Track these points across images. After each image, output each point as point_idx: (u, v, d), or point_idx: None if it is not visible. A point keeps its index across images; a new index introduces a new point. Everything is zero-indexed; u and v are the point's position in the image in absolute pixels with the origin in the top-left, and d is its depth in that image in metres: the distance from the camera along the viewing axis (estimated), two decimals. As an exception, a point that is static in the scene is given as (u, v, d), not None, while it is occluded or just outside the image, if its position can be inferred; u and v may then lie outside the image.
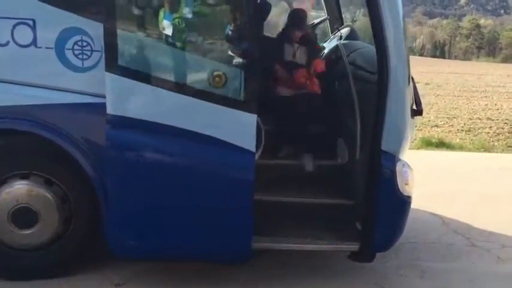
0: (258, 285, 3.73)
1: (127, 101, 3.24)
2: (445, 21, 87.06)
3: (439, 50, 76.18)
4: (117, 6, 3.17)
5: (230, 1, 3.42)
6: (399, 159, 3.56)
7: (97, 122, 3.35)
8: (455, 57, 66.98)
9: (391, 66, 3.30)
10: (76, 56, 3.31)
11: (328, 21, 5.63)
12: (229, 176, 3.34)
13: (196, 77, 3.34)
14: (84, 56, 3.31)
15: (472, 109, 14.92)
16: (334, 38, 5.32)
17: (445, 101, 16.30)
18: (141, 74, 3.21)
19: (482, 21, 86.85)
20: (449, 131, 11.15)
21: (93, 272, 3.73)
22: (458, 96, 18.20)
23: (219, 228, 3.39)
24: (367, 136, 3.64)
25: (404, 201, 3.57)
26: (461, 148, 9.06)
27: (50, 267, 3.61)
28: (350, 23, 5.46)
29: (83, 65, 3.32)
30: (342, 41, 4.86)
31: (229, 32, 3.30)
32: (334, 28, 5.49)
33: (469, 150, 8.96)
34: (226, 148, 3.26)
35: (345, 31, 5.14)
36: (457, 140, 10.08)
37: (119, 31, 3.16)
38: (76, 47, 3.30)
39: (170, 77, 3.29)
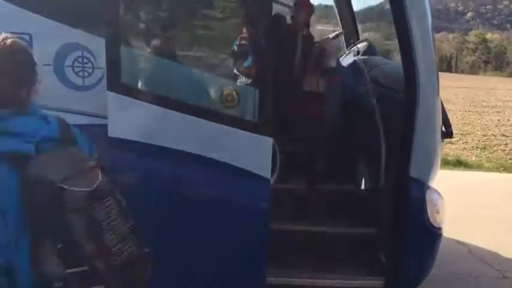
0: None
1: (130, 122, 2.94)
2: (451, 36, 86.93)
3: (446, 64, 75.95)
4: (120, 19, 2.89)
5: (242, 14, 3.14)
6: (429, 187, 3.24)
7: (99, 145, 3.06)
8: (462, 71, 66.67)
9: (420, 83, 3.00)
10: (76, 73, 3.03)
11: (343, 35, 5.34)
12: (242, 205, 3.02)
13: (206, 97, 3.04)
14: (85, 74, 3.03)
15: (485, 125, 14.58)
16: (350, 53, 5.03)
17: (456, 117, 15.94)
18: (146, 94, 2.92)
19: (488, 36, 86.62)
20: (464, 148, 10.80)
21: None
22: (469, 111, 17.85)
23: (230, 260, 3.06)
24: (392, 160, 3.33)
25: (435, 233, 3.25)
26: (478, 167, 8.70)
27: None
28: (367, 37, 5.16)
29: (83, 83, 3.04)
30: (360, 57, 4.56)
31: (236, 48, 3.02)
32: (350, 43, 5.20)
33: (488, 169, 8.60)
34: (238, 175, 2.95)
35: (362, 46, 4.85)
36: (473, 157, 9.73)
37: (122, 47, 2.88)
38: (76, 63, 3.02)
39: (178, 97, 2.99)
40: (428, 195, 3.18)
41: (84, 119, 3.05)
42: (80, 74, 3.02)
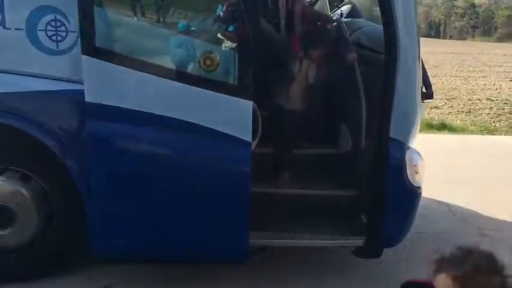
0: (256, 285, 3.45)
1: (107, 87, 2.90)
2: (440, 1, 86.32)
3: (434, 30, 75.56)
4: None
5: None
6: (409, 147, 3.26)
7: (76, 111, 3.03)
8: (451, 37, 66.59)
9: (400, 44, 2.98)
10: (49, 37, 2.96)
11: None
12: (223, 168, 3.03)
13: (185, 60, 3.00)
14: (59, 38, 2.96)
15: (471, 89, 14.61)
16: (333, 16, 4.96)
17: (442, 82, 15.96)
18: (123, 57, 2.87)
19: (477, 0, 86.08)
20: (449, 112, 10.86)
21: (79, 273, 3.45)
22: (455, 76, 17.86)
23: (212, 224, 3.09)
24: (373, 122, 3.33)
25: (414, 193, 3.28)
26: (463, 130, 8.78)
27: (30, 271, 3.32)
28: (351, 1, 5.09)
29: (57, 47, 2.97)
30: (343, 19, 4.51)
31: (221, 12, 2.96)
32: (334, 6, 5.13)
33: (472, 132, 8.68)
34: (220, 139, 2.94)
35: (345, 8, 4.79)
36: (458, 121, 9.80)
37: (96, 8, 2.81)
38: (49, 27, 2.94)
39: (156, 60, 2.95)
40: (408, 155, 3.20)
41: (59, 84, 3.03)
42: (54, 38, 2.96)
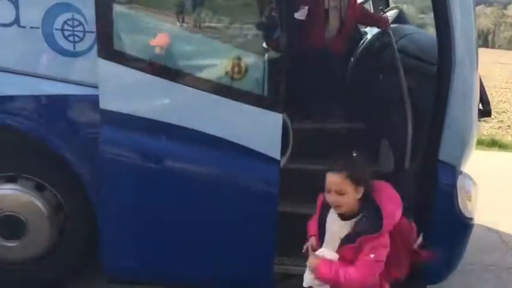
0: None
1: (124, 94, 2.64)
2: (489, 9, 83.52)
3: (482, 39, 73.09)
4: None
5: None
6: (461, 172, 2.86)
7: (92, 117, 2.78)
8: (499, 47, 64.15)
9: (457, 55, 2.59)
10: (66, 37, 2.72)
11: (371, 1, 4.89)
12: (248, 188, 2.71)
13: (210, 67, 2.71)
14: (76, 38, 2.72)
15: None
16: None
17: (491, 94, 15.09)
18: (142, 61, 2.60)
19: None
20: (499, 127, 10.19)
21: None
22: (505, 88, 16.97)
23: (233, 249, 2.77)
24: (420, 141, 2.95)
25: (466, 224, 2.88)
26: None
27: (38, 286, 3.10)
28: (398, 5, 4.70)
29: (74, 48, 2.74)
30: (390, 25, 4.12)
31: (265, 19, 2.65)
32: (379, 10, 4.74)
33: (526, 150, 8.05)
34: (245, 155, 2.63)
35: (392, 13, 4.39)
36: (509, 137, 9.16)
37: (115, 7, 2.56)
38: (66, 27, 2.71)
39: (178, 66, 2.67)
40: (460, 181, 2.80)
41: (75, 88, 2.80)
42: (71, 38, 2.72)
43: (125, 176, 2.71)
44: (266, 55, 2.59)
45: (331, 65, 3.79)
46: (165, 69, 2.62)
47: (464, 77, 2.65)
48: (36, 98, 2.83)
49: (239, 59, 2.62)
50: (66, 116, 2.84)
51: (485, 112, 3.01)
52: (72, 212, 3.02)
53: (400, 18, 4.30)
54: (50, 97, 2.83)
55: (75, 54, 2.73)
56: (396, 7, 4.55)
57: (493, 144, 8.11)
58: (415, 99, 3.09)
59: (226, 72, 2.61)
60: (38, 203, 2.97)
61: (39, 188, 3.00)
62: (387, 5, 4.83)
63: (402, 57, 3.36)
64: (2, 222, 2.98)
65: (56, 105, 2.84)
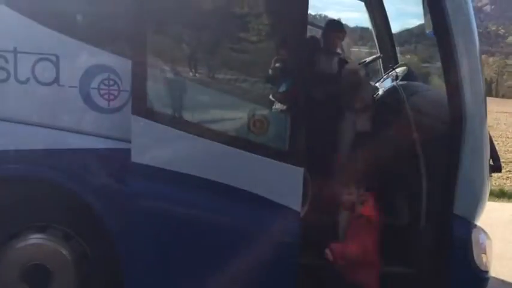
0: None
1: (154, 148, 2.80)
2: (491, 59, 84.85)
3: (486, 88, 73.72)
4: (148, 41, 2.77)
5: (274, 36, 2.98)
6: (475, 226, 2.96)
7: (121, 170, 2.94)
8: (503, 96, 64.78)
9: (467, 112, 2.76)
10: (102, 96, 2.93)
11: (381, 59, 5.12)
12: (269, 239, 2.82)
13: (234, 123, 2.88)
14: (111, 96, 2.92)
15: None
16: (388, 77, 4.78)
17: (498, 143, 15.17)
18: (172, 118, 2.79)
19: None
20: (508, 177, 10.23)
21: None
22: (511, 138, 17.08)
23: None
24: (434, 195, 3.07)
25: (481, 278, 2.95)
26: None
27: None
28: (406, 62, 4.92)
29: (108, 105, 2.93)
30: (399, 82, 4.31)
31: (272, 71, 2.86)
32: (388, 67, 4.95)
33: (535, 201, 8.08)
34: (266, 206, 2.76)
35: (400, 70, 4.59)
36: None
37: (149, 69, 2.76)
38: (102, 86, 2.92)
39: (204, 123, 2.85)
40: (474, 235, 2.90)
41: (107, 142, 2.96)
42: (106, 96, 2.92)
43: (151, 226, 2.83)
44: (287, 110, 2.75)
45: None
46: (194, 126, 2.79)
47: (474, 134, 2.80)
48: (71, 152, 2.99)
49: (261, 114, 2.79)
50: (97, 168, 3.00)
51: (495, 168, 3.14)
52: (97, 261, 3.11)
53: (409, 76, 4.49)
54: (83, 150, 2.99)
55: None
56: (405, 64, 4.76)
57: (502, 195, 8.17)
58: (427, 155, 3.23)
59: (250, 129, 2.77)
60: (65, 253, 3.07)
61: (66, 238, 3.11)
62: (396, 61, 5.05)
63: (414, 114, 3.53)
64: (31, 272, 3.06)
65: (88, 158, 3.00)
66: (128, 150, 2.81)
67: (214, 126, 2.84)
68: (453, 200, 2.86)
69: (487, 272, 2.95)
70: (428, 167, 3.19)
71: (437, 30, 2.85)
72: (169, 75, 2.91)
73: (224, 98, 2.92)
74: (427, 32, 4.15)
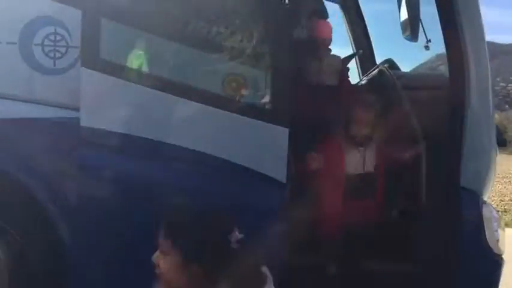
0: None
1: (109, 107, 2.32)
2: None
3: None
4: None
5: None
6: (485, 202, 2.56)
7: (70, 144, 2.43)
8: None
9: (470, 68, 2.43)
10: (46, 54, 2.46)
11: (356, 58, 4.83)
12: (249, 221, 2.31)
13: (206, 80, 2.45)
14: (57, 54, 2.46)
15: (500, 192, 13.98)
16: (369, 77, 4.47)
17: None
18: (129, 71, 2.33)
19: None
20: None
21: None
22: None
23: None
24: (436, 171, 2.66)
25: (496, 263, 2.51)
26: (507, 225, 7.96)
27: None
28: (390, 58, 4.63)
29: (54, 65, 2.46)
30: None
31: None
32: (365, 70, 4.67)
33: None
34: (245, 177, 2.29)
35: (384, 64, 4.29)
36: (498, 219, 9.01)
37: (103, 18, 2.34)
38: (47, 41, 2.46)
39: (169, 77, 2.40)
40: (485, 211, 2.49)
41: (52, 111, 2.47)
42: (51, 54, 2.46)
43: (104, 203, 2.30)
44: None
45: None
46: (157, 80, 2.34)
47: (480, 90, 2.46)
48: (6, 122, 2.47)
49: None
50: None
51: (499, 142, 2.79)
52: (36, 257, 2.52)
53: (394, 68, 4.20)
54: (23, 121, 2.48)
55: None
56: (389, 59, 4.47)
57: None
58: (424, 129, 2.85)
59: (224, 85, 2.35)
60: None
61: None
62: (374, 64, 4.79)
63: (406, 92, 3.17)
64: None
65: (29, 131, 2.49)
66: (78, 120, 2.32)
67: (180, 81, 2.39)
68: (459, 170, 2.46)
69: (501, 255, 2.52)
70: (427, 142, 2.80)
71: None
72: (125, 23, 2.45)
73: (195, 52, 2.48)
74: (404, 36, 3.96)
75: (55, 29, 2.45)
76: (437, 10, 2.61)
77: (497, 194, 13.38)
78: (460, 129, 2.48)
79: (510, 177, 19.10)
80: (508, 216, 9.78)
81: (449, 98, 2.55)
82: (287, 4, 3.16)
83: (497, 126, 2.85)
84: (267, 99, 2.32)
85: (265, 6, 2.41)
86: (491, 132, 2.60)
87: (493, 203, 11.34)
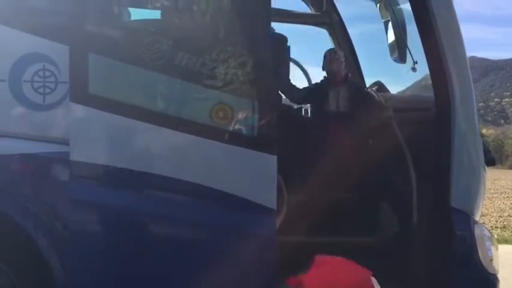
0: None
1: (99, 141, 2.34)
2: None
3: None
4: (87, 25, 2.40)
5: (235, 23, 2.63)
6: (476, 222, 2.56)
7: (60, 178, 2.44)
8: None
9: (454, 87, 2.46)
10: (36, 90, 2.49)
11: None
12: (239, 249, 2.32)
13: (193, 111, 2.47)
14: (47, 90, 2.49)
15: (499, 207, 13.97)
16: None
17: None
18: (118, 105, 2.35)
19: (484, 131, 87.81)
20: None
21: None
22: (479, 196, 17.14)
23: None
24: (425, 193, 2.68)
25: (490, 282, 2.50)
26: (506, 242, 7.95)
27: None
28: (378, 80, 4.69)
29: (44, 101, 2.48)
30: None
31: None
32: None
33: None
34: (234, 205, 2.30)
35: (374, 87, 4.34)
36: (496, 236, 8.96)
37: (90, 54, 2.37)
38: (36, 78, 2.49)
39: (157, 110, 2.42)
40: (477, 232, 2.49)
41: (42, 146, 2.48)
42: (41, 90, 2.49)
43: (96, 238, 2.30)
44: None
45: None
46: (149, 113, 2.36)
47: (466, 110, 2.49)
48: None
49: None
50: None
51: (488, 160, 2.81)
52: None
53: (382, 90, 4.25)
54: (13, 157, 2.49)
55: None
56: (377, 81, 4.52)
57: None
58: (414, 149, 2.88)
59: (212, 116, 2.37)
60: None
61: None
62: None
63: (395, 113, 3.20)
64: None
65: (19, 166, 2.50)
66: (67, 154, 2.34)
67: (169, 112, 2.41)
68: (449, 191, 2.47)
69: (495, 275, 2.51)
70: (416, 162, 2.83)
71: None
72: (112, 58, 2.48)
73: (182, 85, 2.50)
74: (392, 58, 4.02)
75: (44, 65, 2.48)
76: (419, 33, 2.67)
77: (496, 209, 13.41)
78: (447, 150, 2.50)
79: (509, 193, 19.14)
80: (507, 232, 9.77)
81: (435, 119, 2.57)
82: (274, 34, 3.23)
83: (484, 145, 2.86)
84: (255, 127, 2.34)
85: (252, 35, 2.46)
86: (479, 151, 2.62)
87: (491, 219, 11.43)
